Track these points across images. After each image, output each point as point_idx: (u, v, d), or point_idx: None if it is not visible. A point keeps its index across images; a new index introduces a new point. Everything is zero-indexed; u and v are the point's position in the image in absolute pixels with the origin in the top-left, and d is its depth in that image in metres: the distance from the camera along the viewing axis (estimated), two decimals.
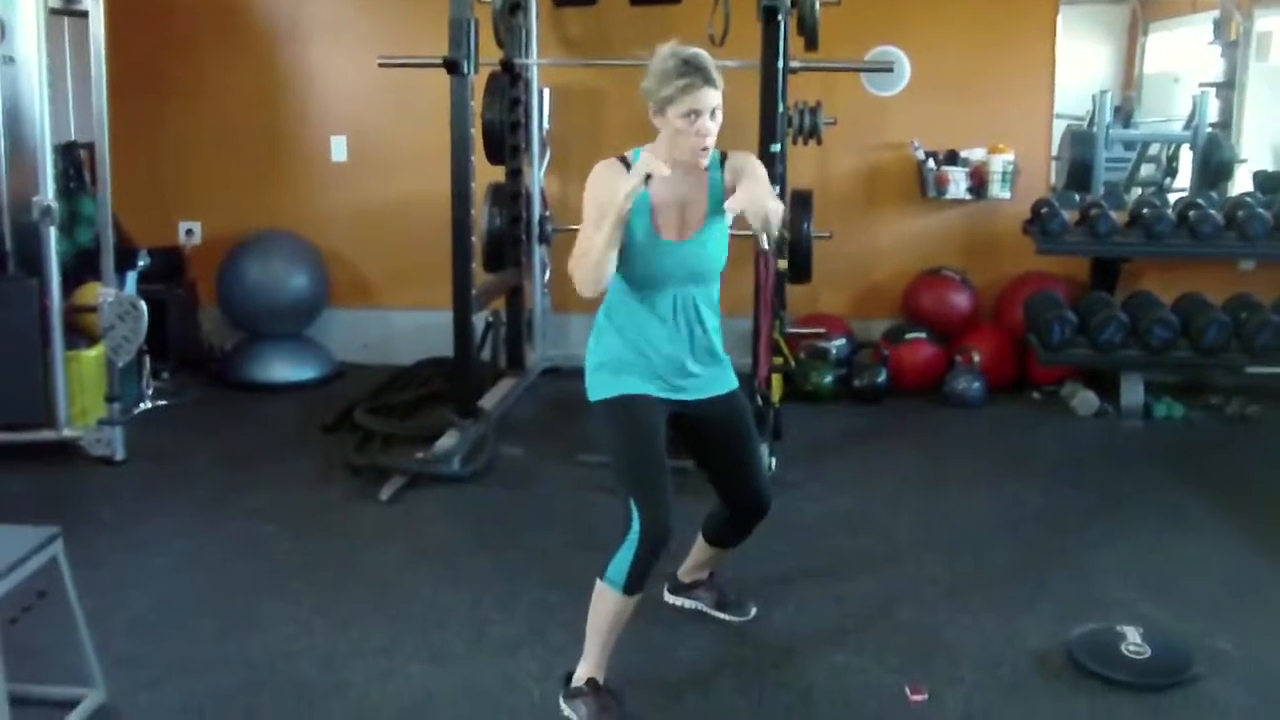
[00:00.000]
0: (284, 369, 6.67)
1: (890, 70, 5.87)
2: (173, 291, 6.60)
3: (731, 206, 3.00)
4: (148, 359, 5.97)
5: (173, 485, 5.04)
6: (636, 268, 3.14)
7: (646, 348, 3.21)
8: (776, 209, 3.08)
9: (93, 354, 5.38)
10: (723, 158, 3.22)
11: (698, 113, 3.02)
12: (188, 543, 4.43)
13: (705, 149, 3.08)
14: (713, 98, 3.03)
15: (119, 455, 5.24)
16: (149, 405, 6.04)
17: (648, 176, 2.94)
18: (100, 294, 5.12)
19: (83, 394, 5.34)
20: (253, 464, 5.33)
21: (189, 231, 7.10)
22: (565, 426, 5.83)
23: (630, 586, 3.08)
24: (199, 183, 7.10)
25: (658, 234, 3.14)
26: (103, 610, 3.54)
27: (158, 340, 5.99)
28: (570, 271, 3.07)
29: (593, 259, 3.00)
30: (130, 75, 6.26)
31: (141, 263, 5.99)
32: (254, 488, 5.00)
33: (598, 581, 3.14)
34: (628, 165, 3.12)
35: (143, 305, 5.08)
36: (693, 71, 3.00)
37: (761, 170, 3.22)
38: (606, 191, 3.03)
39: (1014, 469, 5.37)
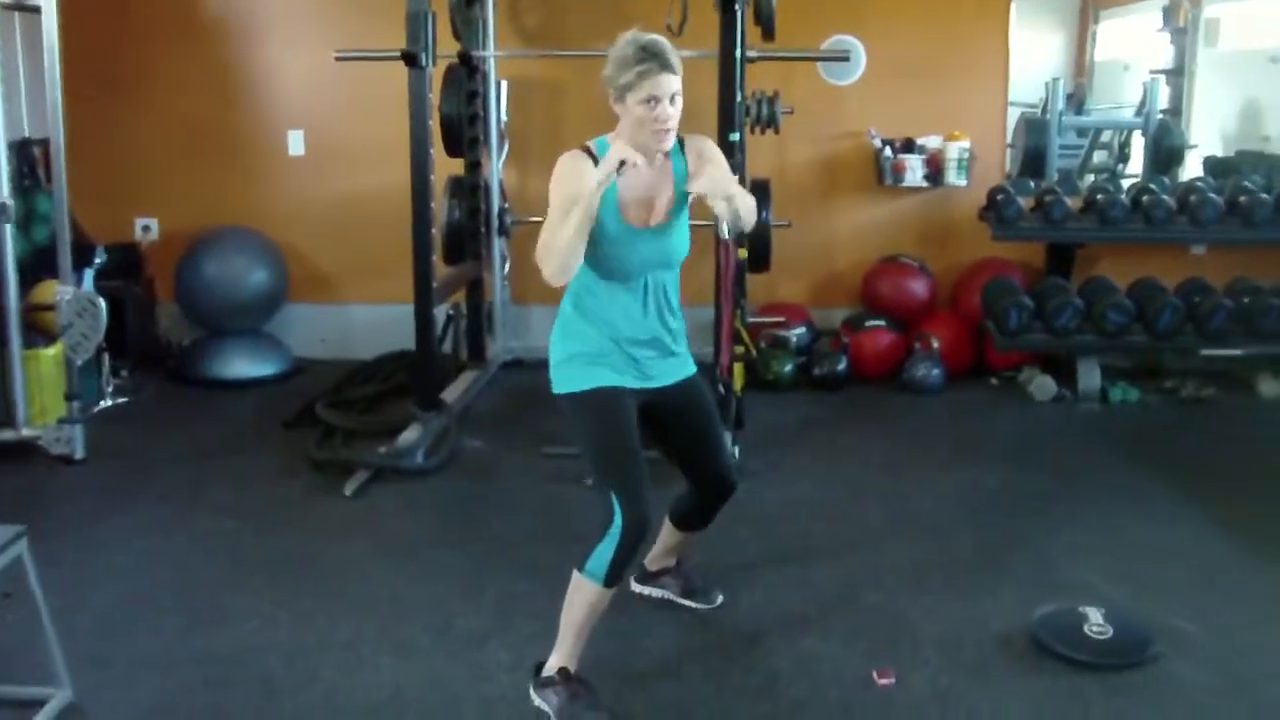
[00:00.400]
0: (243, 365, 6.63)
1: (847, 59, 5.90)
2: (130, 288, 6.55)
3: (693, 189, 3.02)
4: (107, 356, 5.93)
5: (134, 483, 5.00)
6: (609, 257, 3.14)
7: (618, 337, 3.22)
8: (749, 204, 3.11)
9: (51, 352, 5.34)
10: (681, 144, 3.23)
11: (657, 99, 3.03)
12: (150, 540, 4.40)
13: (667, 133, 3.10)
14: (672, 83, 3.04)
15: (79, 454, 5.19)
16: (109, 403, 6.00)
17: (621, 164, 2.94)
18: (58, 292, 5.07)
19: (41, 393, 5.30)
20: (214, 460, 5.30)
21: (146, 228, 7.04)
22: (527, 418, 5.84)
23: (610, 579, 3.10)
24: (155, 179, 7.04)
25: (628, 223, 3.15)
26: (67, 609, 3.51)
27: (115, 338, 5.93)
28: (539, 260, 3.05)
29: (563, 247, 2.98)
30: (84, 71, 6.21)
31: (98, 260, 5.94)
32: (216, 484, 4.98)
33: (575, 574, 3.15)
34: (593, 156, 3.14)
35: (101, 302, 5.05)
36: (650, 57, 3.01)
37: (720, 155, 3.28)
38: (575, 182, 3.02)
39: (973, 454, 5.43)
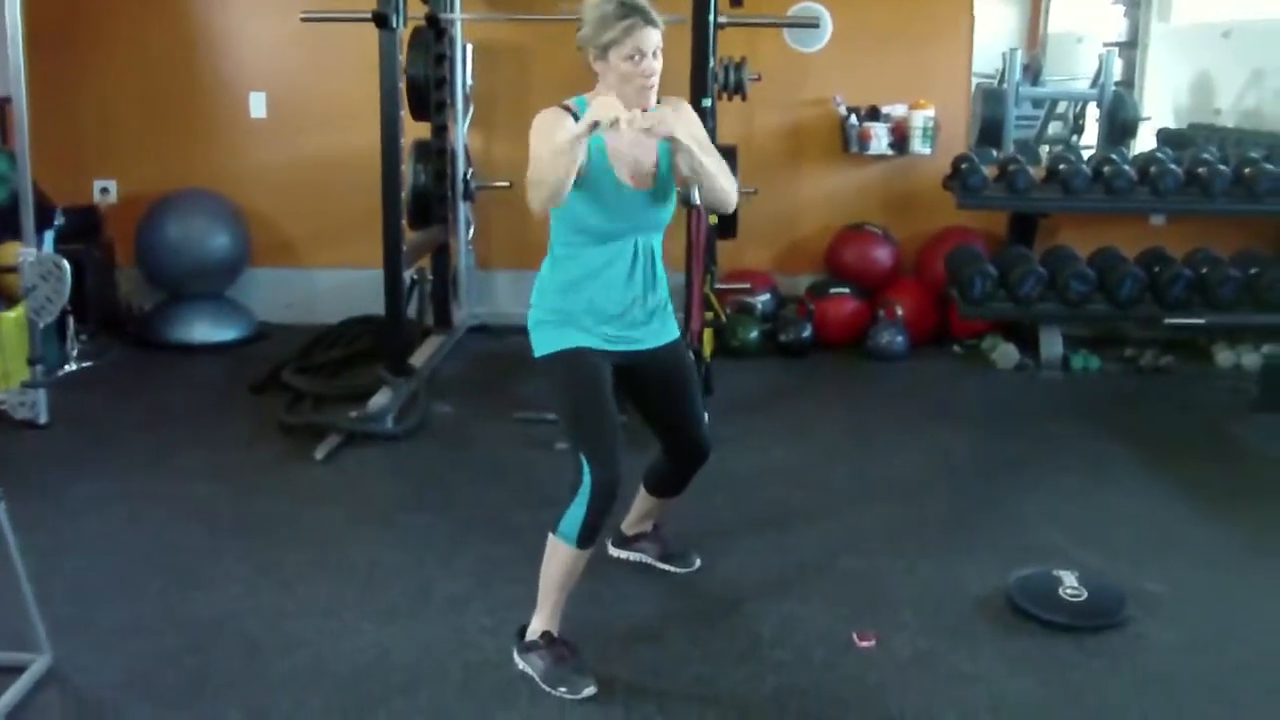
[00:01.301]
0: (205, 329, 6.57)
1: (817, 25, 5.90)
2: (89, 252, 6.43)
3: (641, 124, 2.93)
4: (71, 320, 5.84)
5: (102, 448, 4.95)
6: (602, 216, 3.13)
7: (597, 299, 3.21)
8: (726, 184, 3.13)
9: (12, 315, 5.26)
10: (658, 104, 3.23)
11: (641, 53, 3.03)
12: (122, 505, 4.36)
13: (650, 89, 3.09)
14: (655, 37, 3.04)
15: (43, 418, 5.13)
16: (73, 367, 5.92)
17: (614, 120, 2.88)
18: (20, 254, 4.97)
19: (4, 357, 5.21)
20: (182, 425, 5.26)
21: (104, 190, 6.94)
22: (495, 384, 5.83)
23: (583, 540, 3.11)
24: (114, 140, 6.94)
25: (621, 183, 3.14)
26: (41, 575, 3.42)
27: (75, 302, 5.81)
28: (529, 186, 2.97)
29: (556, 176, 2.90)
30: (43, 29, 6.05)
31: (57, 222, 5.85)
32: (186, 449, 4.94)
33: (550, 536, 3.16)
34: (573, 113, 3.12)
35: (66, 265, 4.94)
36: (633, 11, 3.01)
37: (694, 116, 3.29)
38: (558, 132, 2.97)
39: (940, 421, 5.49)
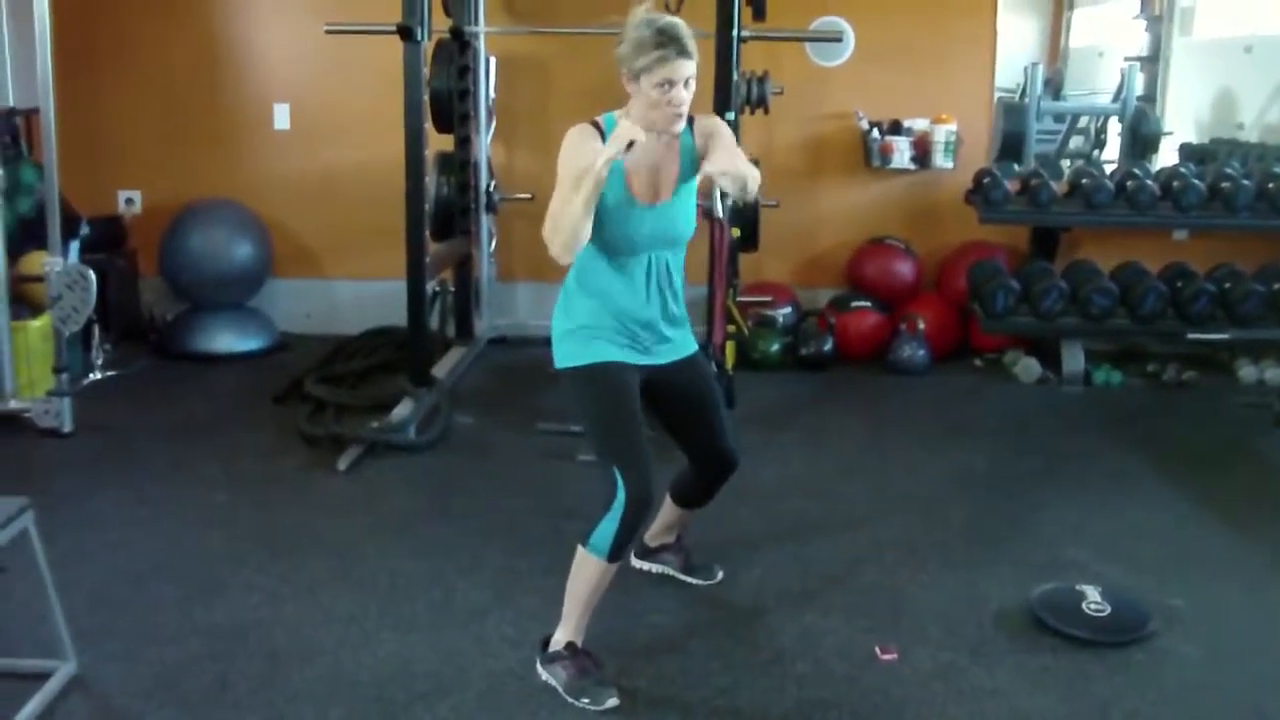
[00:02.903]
0: (227, 339, 6.60)
1: (839, 40, 5.91)
2: (113, 262, 6.48)
3: (711, 170, 3.03)
4: (97, 329, 5.88)
5: (125, 457, 4.97)
6: (612, 232, 3.14)
7: (620, 313, 3.22)
8: (755, 174, 3.12)
9: (38, 324, 5.30)
10: (690, 122, 3.24)
11: (672, 83, 3.04)
12: (145, 514, 4.38)
13: (679, 117, 3.11)
14: (687, 68, 3.05)
15: (67, 427, 5.16)
16: (97, 376, 5.96)
17: (630, 144, 2.94)
18: (47, 263, 5.03)
19: (29, 365, 5.26)
20: (204, 435, 5.28)
21: (129, 200, 6.99)
22: (516, 395, 5.85)
23: (614, 554, 3.11)
24: (139, 151, 6.98)
25: (633, 199, 3.16)
26: (64, 583, 3.44)
27: (100, 311, 5.87)
28: (546, 237, 3.05)
29: (570, 224, 2.98)
30: (68, 41, 6.15)
31: (83, 232, 5.89)
32: (208, 459, 4.96)
33: (579, 549, 3.16)
34: (601, 132, 3.14)
35: (91, 275, 5.01)
36: (670, 42, 3.01)
37: (729, 133, 3.29)
38: (584, 156, 3.03)
39: (961, 435, 5.48)
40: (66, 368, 5.19)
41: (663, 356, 3.32)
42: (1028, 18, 9.06)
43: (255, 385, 5.98)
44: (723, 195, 3.20)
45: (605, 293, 3.22)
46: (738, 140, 5.15)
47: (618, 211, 3.13)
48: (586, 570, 3.16)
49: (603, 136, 3.12)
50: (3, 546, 2.95)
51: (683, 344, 3.38)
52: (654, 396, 3.38)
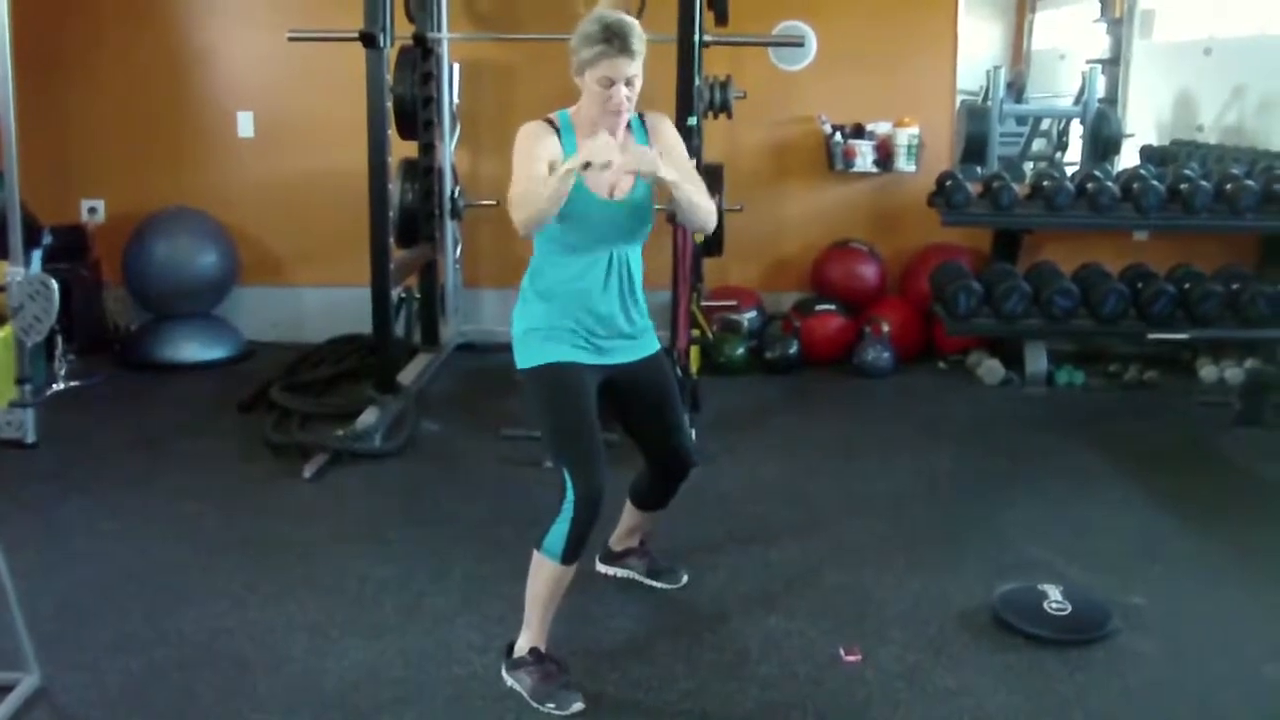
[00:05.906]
0: (193, 349, 6.57)
1: (802, 44, 5.94)
2: (76, 271, 6.45)
3: (623, 163, 3.01)
4: (59, 339, 5.85)
5: (89, 467, 4.95)
6: (573, 228, 3.15)
7: (579, 311, 3.22)
8: (706, 205, 3.18)
9: (0, 335, 5.26)
10: (641, 118, 3.27)
11: (612, 80, 3.06)
12: (111, 524, 4.36)
13: (618, 115, 3.12)
14: (629, 68, 3.06)
15: (30, 438, 5.12)
16: (61, 386, 5.92)
17: (586, 165, 2.94)
18: (9, 273, 4.99)
19: None
20: (170, 444, 5.26)
21: (92, 209, 6.95)
22: (483, 401, 5.85)
23: (568, 555, 3.12)
24: (102, 159, 6.94)
25: (590, 192, 3.16)
26: (28, 594, 3.43)
27: (63, 321, 5.84)
28: (510, 206, 3.04)
29: (540, 206, 2.97)
30: (28, 49, 6.07)
31: (45, 241, 5.86)
32: (174, 468, 4.95)
33: (535, 552, 3.18)
34: (556, 128, 3.18)
35: (54, 284, 4.96)
36: (612, 37, 3.03)
37: (675, 134, 3.34)
38: (539, 147, 3.08)
39: (925, 436, 5.51)
40: (29, 378, 5.15)
41: (622, 355, 3.32)
42: (990, 21, 9.11)
43: (221, 394, 5.95)
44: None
45: (562, 291, 3.23)
46: (700, 145, 5.22)
47: (580, 205, 3.13)
48: (543, 573, 3.17)
49: (558, 133, 3.16)
50: None
51: (645, 344, 3.38)
52: (614, 396, 3.38)
